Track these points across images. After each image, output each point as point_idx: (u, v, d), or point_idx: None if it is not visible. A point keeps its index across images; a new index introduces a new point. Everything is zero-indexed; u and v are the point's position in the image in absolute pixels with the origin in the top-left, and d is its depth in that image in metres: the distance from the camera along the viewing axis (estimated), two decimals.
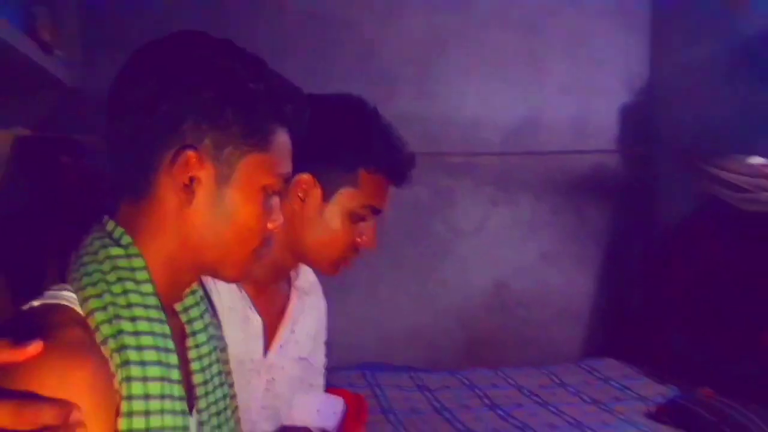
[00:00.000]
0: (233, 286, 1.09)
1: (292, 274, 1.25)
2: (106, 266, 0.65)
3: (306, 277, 1.31)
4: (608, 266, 3.94)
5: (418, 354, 3.64)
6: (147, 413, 0.62)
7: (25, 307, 0.63)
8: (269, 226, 0.74)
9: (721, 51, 3.35)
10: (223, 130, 0.67)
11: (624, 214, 3.96)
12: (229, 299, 1.07)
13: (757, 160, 2.80)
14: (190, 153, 0.66)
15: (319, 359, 1.37)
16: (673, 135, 3.67)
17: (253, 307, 1.12)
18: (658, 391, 2.99)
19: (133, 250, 0.67)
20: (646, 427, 2.61)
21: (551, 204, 3.87)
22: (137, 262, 0.66)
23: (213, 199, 0.68)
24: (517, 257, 3.83)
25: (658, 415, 2.69)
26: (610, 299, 3.93)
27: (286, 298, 1.25)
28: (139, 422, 0.61)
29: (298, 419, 1.29)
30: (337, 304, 3.47)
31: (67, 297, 0.64)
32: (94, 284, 0.64)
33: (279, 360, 1.20)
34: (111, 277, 0.64)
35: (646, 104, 3.94)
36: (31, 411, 0.49)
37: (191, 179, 0.67)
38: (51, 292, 0.65)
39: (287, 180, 0.77)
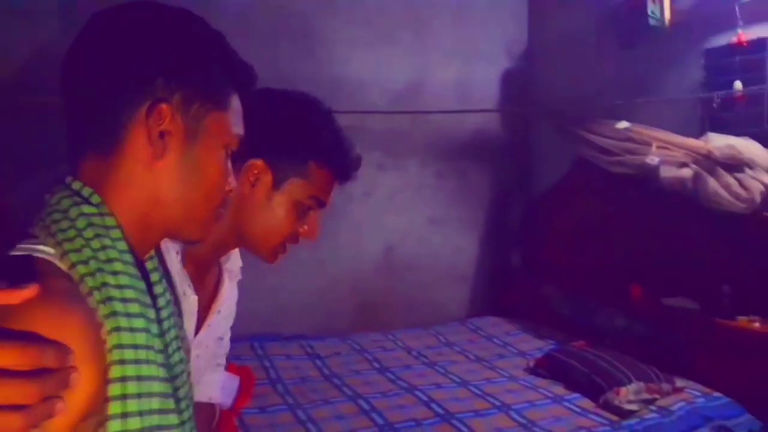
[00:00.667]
0: (175, 262, 1.07)
1: (223, 257, 1.27)
2: (80, 223, 0.65)
3: (236, 260, 1.33)
4: (490, 228, 4.09)
5: (310, 321, 3.60)
6: (137, 362, 0.63)
7: None
8: (226, 187, 0.78)
9: (591, 19, 3.50)
10: (190, 88, 0.70)
11: (504, 177, 4.10)
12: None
13: (623, 124, 2.97)
14: (165, 106, 0.68)
15: (228, 339, 1.39)
16: (548, 98, 3.82)
17: (191, 286, 1.11)
18: (536, 346, 3.16)
19: (104, 209, 0.67)
20: (525, 381, 2.75)
21: (436, 168, 3.92)
22: (110, 221, 0.67)
23: (182, 153, 0.71)
24: (404, 221, 3.87)
25: (536, 368, 2.84)
26: (492, 259, 4.08)
27: (218, 279, 1.27)
28: (130, 370, 0.62)
29: (204, 396, 1.31)
30: None
31: (45, 251, 0.63)
32: (70, 240, 0.63)
33: (205, 338, 1.22)
34: (88, 234, 0.64)
35: (524, 69, 4.07)
36: (34, 351, 0.50)
37: (163, 133, 0.69)
38: (25, 246, 0.63)
39: (241, 142, 0.80)
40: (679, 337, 2.72)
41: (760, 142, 2.63)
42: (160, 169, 0.70)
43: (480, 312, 3.92)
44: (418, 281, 3.88)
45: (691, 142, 2.75)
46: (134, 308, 0.64)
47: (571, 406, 2.47)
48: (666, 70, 3.12)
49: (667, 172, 2.72)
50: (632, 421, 2.31)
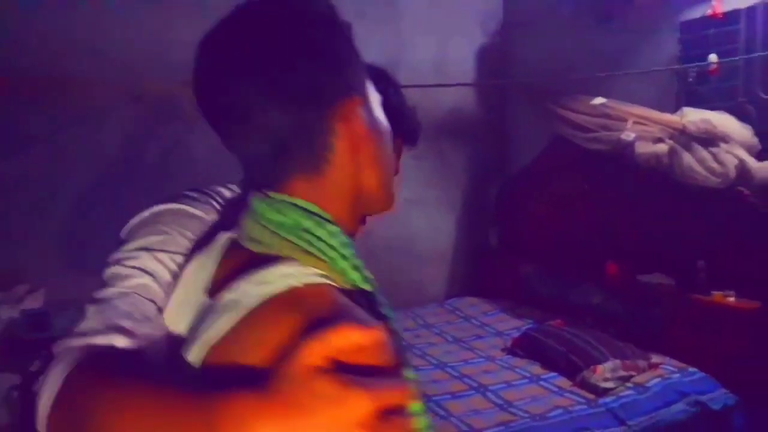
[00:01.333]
0: None
1: None
2: (333, 241, 0.62)
3: None
4: (468, 207, 4.05)
5: None
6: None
7: (284, 288, 0.57)
8: None
9: None
10: (360, 76, 0.68)
11: (481, 156, 4.05)
12: None
13: (599, 100, 2.93)
14: (359, 102, 0.65)
15: None
16: (525, 74, 3.77)
17: None
18: (514, 326, 3.14)
19: (338, 226, 0.64)
20: (502, 361, 2.73)
21: (413, 149, 3.86)
22: (346, 238, 0.63)
23: (374, 137, 0.68)
24: None
25: (513, 348, 2.82)
26: (470, 239, 4.05)
27: None
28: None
29: None
30: None
31: (329, 277, 0.60)
32: (333, 260, 0.61)
33: None
34: (346, 252, 0.62)
35: (500, 44, 4.01)
36: (409, 390, 0.48)
37: (362, 128, 0.66)
38: (304, 272, 0.59)
39: None
40: (655, 314, 2.72)
41: (734, 115, 2.61)
42: (363, 161, 0.67)
43: (458, 292, 3.89)
44: (396, 263, 3.83)
45: (667, 117, 2.72)
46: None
47: (548, 386, 2.46)
48: (642, 43, 3.08)
49: (643, 148, 2.69)
50: (609, 398, 2.30)
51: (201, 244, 0.70)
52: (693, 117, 2.63)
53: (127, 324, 0.64)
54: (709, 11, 2.71)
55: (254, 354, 0.53)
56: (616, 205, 3.03)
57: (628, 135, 2.73)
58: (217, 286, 0.62)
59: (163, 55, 3.00)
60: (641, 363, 2.47)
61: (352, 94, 0.64)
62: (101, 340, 0.62)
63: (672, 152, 2.60)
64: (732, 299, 2.52)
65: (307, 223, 0.62)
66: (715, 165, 2.54)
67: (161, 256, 0.70)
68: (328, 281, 0.60)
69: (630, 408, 2.25)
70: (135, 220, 0.74)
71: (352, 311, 0.55)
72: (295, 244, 0.61)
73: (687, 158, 2.57)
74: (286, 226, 0.62)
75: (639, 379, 2.41)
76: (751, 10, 2.60)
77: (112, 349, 0.61)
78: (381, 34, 3.72)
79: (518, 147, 3.93)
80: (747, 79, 2.64)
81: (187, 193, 0.78)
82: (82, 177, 2.97)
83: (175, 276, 0.69)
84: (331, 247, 0.61)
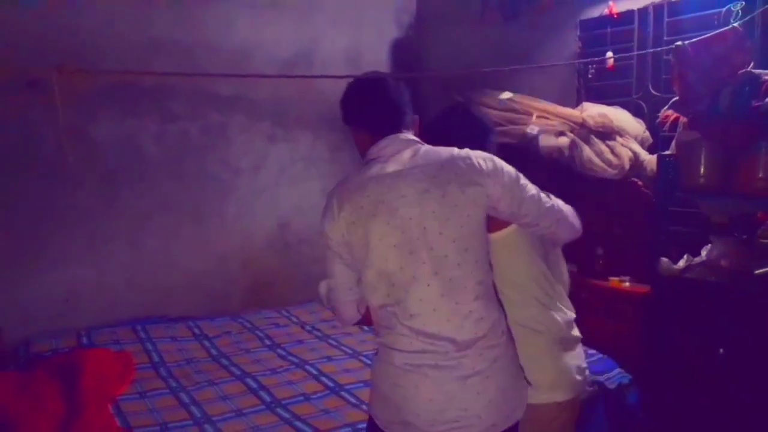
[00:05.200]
0: None
1: None
2: None
3: None
4: None
5: (200, 302, 3.45)
6: None
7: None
8: None
9: None
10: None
11: None
12: None
13: (506, 95, 3.02)
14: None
15: None
16: (436, 68, 3.83)
17: None
18: None
19: None
20: None
21: (330, 140, 3.85)
22: None
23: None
24: (297, 195, 3.78)
25: None
26: None
27: None
28: None
29: None
30: (98, 255, 3.13)
31: None
32: None
33: None
34: None
35: (412, 39, 4.05)
36: None
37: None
38: None
39: None
40: None
41: (629, 111, 2.76)
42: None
43: None
44: (315, 256, 3.81)
45: (568, 111, 2.85)
46: None
47: None
48: (547, 40, 3.21)
49: (546, 141, 2.80)
50: None
51: None
52: (592, 111, 2.77)
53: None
54: (606, 11, 2.86)
55: None
56: None
57: (533, 129, 2.84)
58: None
59: (48, 39, 2.85)
60: None
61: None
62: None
63: (573, 145, 2.72)
64: (627, 284, 2.68)
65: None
66: (611, 157, 2.68)
67: None
68: None
69: None
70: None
71: None
72: None
73: (586, 151, 2.70)
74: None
75: None
76: (643, 10, 2.76)
77: None
78: (295, 24, 3.68)
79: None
80: (639, 76, 2.80)
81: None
82: None
83: None
84: None
